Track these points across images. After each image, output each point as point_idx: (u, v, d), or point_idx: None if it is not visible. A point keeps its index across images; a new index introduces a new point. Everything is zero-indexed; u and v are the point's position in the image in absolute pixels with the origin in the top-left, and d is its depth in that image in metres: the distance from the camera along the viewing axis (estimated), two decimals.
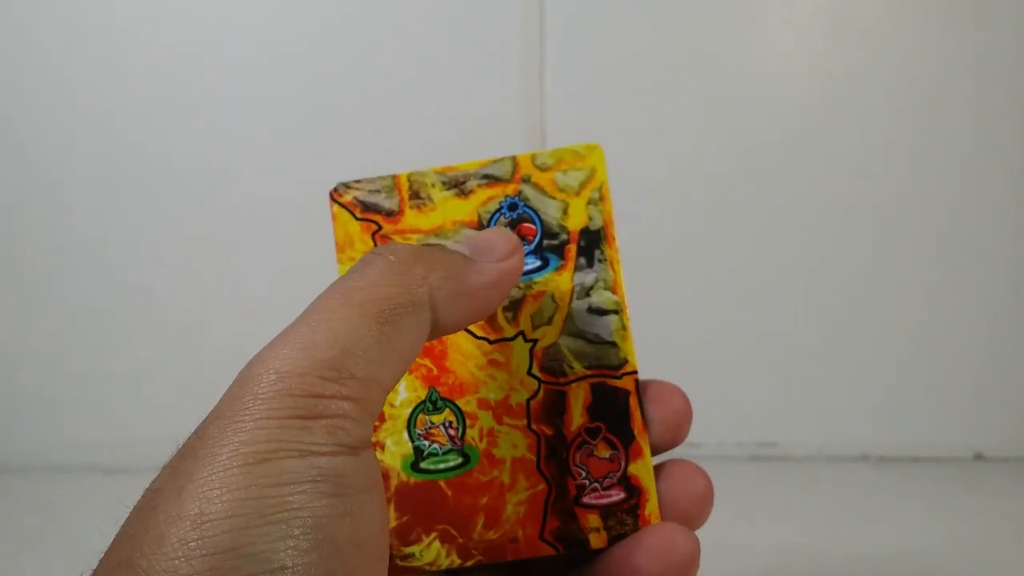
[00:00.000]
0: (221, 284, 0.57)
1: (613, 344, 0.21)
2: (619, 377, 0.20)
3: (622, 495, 0.19)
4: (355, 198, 0.22)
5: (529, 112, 0.55)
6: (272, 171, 0.56)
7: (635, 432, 0.20)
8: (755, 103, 0.54)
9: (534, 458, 0.19)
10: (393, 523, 0.19)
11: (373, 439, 0.19)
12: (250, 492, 0.14)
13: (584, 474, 0.20)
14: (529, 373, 0.20)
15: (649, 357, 0.58)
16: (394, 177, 0.22)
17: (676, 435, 0.22)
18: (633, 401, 0.20)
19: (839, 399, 0.56)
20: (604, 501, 0.19)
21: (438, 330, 0.18)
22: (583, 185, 0.22)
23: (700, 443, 0.55)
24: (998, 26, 0.53)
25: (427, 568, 0.18)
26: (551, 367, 0.20)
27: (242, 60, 0.56)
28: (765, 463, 0.55)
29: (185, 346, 0.57)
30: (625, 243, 0.56)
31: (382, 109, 0.56)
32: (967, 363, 0.55)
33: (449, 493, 0.19)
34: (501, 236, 0.20)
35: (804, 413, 0.56)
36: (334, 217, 0.22)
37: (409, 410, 0.20)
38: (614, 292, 0.21)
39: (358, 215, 0.22)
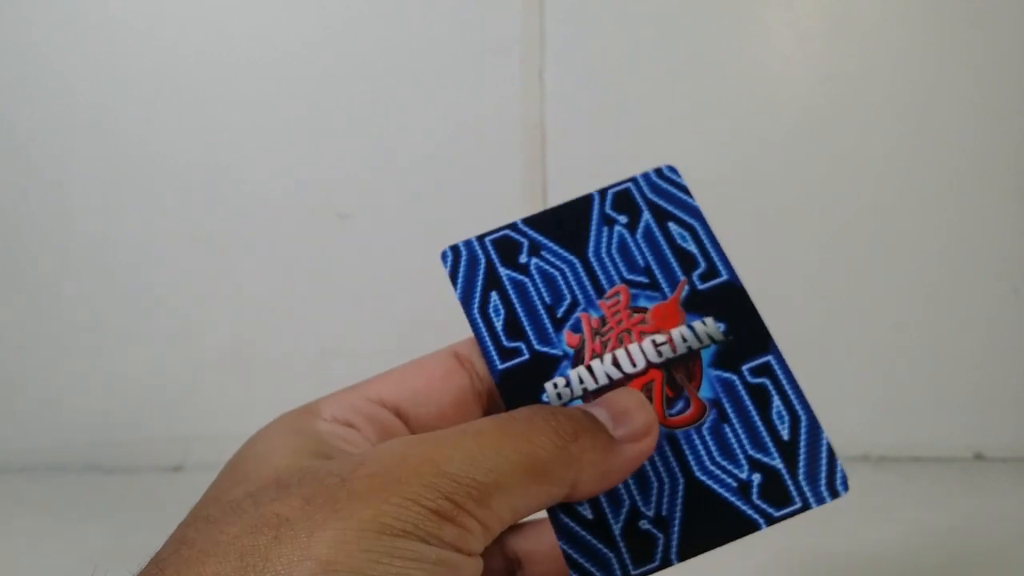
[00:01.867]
0: (221, 284, 0.57)
1: None
2: None
3: None
4: None
5: (529, 112, 0.55)
6: (273, 171, 0.56)
7: None
8: (755, 103, 0.54)
9: None
10: None
11: None
12: (378, 555, 0.15)
13: None
14: None
15: None
16: None
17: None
18: None
19: (839, 399, 0.56)
20: None
21: (567, 498, 0.19)
22: None
23: None
24: (998, 26, 0.53)
25: None
26: None
27: (243, 59, 0.56)
28: None
29: (185, 346, 0.57)
30: None
31: (383, 108, 0.56)
32: (967, 363, 0.55)
33: None
34: (639, 406, 0.20)
35: None
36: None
37: None
38: None
39: None
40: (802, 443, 0.19)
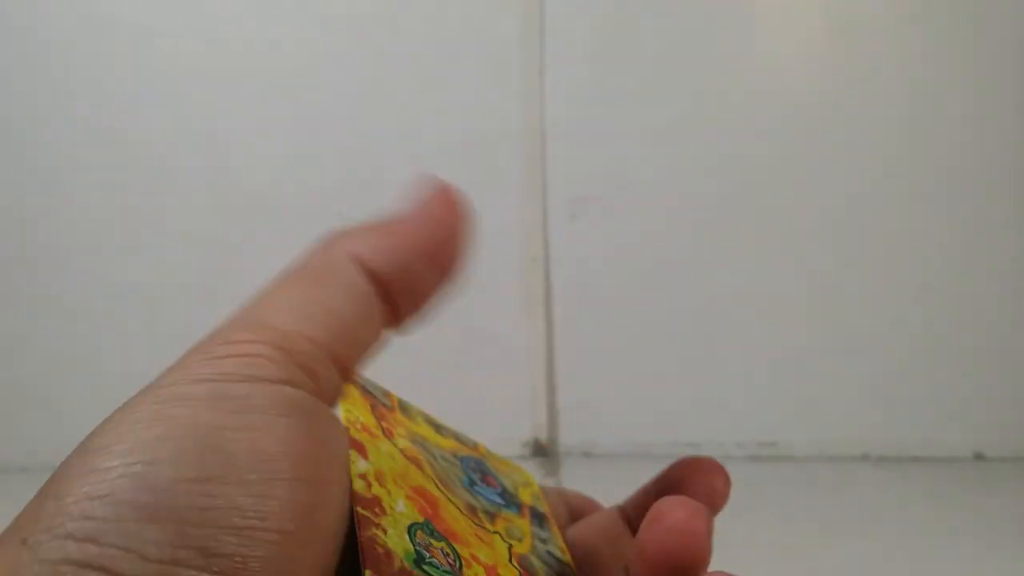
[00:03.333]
0: (221, 284, 0.57)
1: None
2: None
3: None
4: (357, 379, 0.21)
5: (529, 112, 0.55)
6: (273, 171, 0.56)
7: None
8: (755, 104, 0.54)
9: None
10: None
11: (377, 520, 0.16)
12: (140, 415, 0.14)
13: None
14: (510, 562, 0.19)
15: (651, 356, 0.58)
16: (387, 392, 0.22)
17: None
18: None
19: (839, 399, 0.56)
20: None
21: (380, 276, 0.16)
22: (523, 485, 0.23)
23: (700, 443, 0.55)
24: (998, 26, 0.53)
25: None
26: (529, 569, 0.19)
27: (244, 60, 0.56)
28: (765, 463, 0.55)
29: (184, 346, 0.57)
30: (625, 242, 0.56)
31: (383, 109, 0.56)
32: (967, 363, 0.55)
33: None
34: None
35: (804, 413, 0.56)
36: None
37: (407, 523, 0.17)
38: (565, 555, 0.21)
39: (359, 390, 0.21)
40: None
